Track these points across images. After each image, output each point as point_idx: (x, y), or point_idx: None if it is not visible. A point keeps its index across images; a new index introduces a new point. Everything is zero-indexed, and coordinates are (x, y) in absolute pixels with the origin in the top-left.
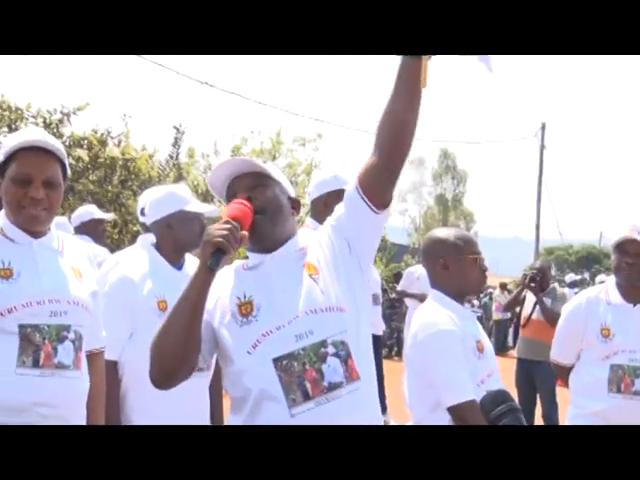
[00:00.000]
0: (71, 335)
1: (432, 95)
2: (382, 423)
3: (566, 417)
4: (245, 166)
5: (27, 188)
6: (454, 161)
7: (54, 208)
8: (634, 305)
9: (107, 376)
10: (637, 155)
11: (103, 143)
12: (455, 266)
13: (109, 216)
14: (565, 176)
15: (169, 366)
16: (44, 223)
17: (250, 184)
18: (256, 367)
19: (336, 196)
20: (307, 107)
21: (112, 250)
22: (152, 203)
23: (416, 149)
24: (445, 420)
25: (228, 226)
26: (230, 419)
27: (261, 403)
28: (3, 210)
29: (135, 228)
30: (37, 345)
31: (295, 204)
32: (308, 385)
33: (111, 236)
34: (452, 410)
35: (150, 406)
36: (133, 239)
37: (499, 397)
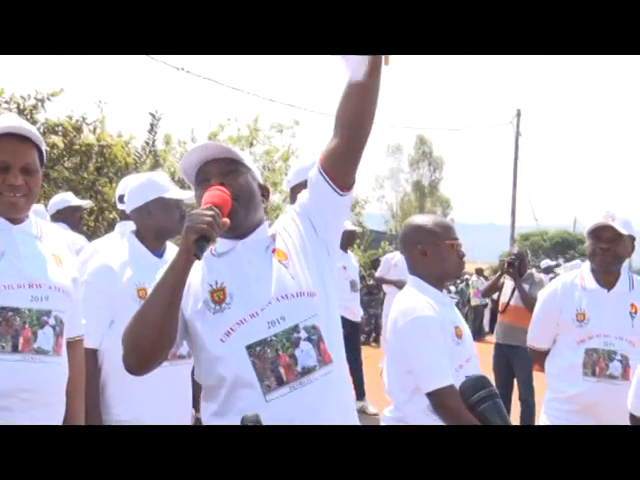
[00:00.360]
0: (51, 320)
1: (409, 82)
2: (354, 406)
3: (542, 401)
4: (218, 151)
5: (5, 175)
6: (430, 147)
7: (33, 194)
8: (608, 290)
9: (87, 364)
10: (611, 142)
11: (78, 130)
12: (433, 252)
13: (86, 203)
14: (540, 163)
15: (145, 352)
16: (23, 210)
17: (223, 169)
18: (229, 355)
19: None
20: (284, 94)
21: (89, 238)
22: (131, 190)
23: (393, 135)
24: (424, 405)
25: (211, 212)
26: (203, 406)
27: (235, 390)
28: None
29: (111, 216)
30: (16, 330)
31: (264, 191)
32: (282, 370)
33: (87, 224)
34: (431, 395)
35: (131, 394)
36: (109, 227)
37: (478, 383)
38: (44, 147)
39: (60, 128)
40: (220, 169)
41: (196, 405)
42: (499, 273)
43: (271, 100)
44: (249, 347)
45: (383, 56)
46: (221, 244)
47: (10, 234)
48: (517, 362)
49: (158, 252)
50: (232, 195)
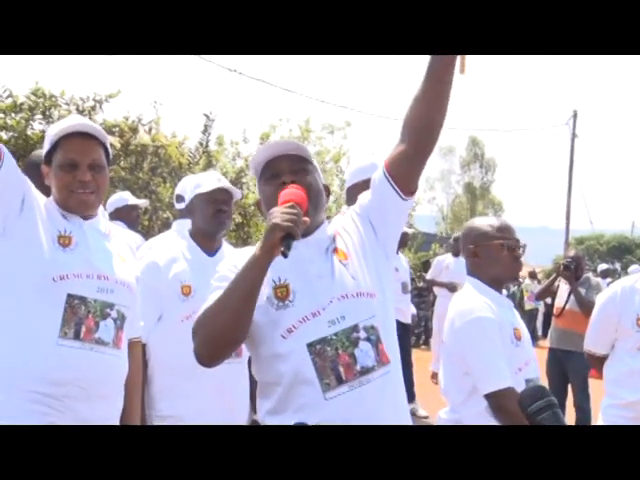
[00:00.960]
0: (114, 314)
1: (462, 83)
2: (407, 407)
3: (600, 407)
4: (289, 147)
5: (74, 172)
6: (482, 149)
7: (102, 190)
8: None
9: None
10: None
11: (134, 130)
12: (484, 253)
13: (143, 202)
14: (597, 165)
15: (220, 343)
16: (93, 206)
17: (294, 167)
18: (290, 351)
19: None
20: (336, 95)
21: (144, 236)
22: (184, 190)
23: (445, 137)
24: (481, 407)
25: (295, 211)
26: (259, 404)
27: (294, 387)
28: (51, 197)
29: (165, 215)
30: (80, 318)
31: (326, 191)
32: (341, 369)
33: (142, 222)
34: (489, 397)
35: (175, 391)
36: (163, 226)
37: (538, 392)
38: (109, 144)
39: (117, 129)
40: (291, 166)
41: (254, 405)
42: (554, 276)
43: (323, 101)
44: (310, 345)
45: (459, 64)
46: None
47: (82, 228)
48: (572, 367)
49: (210, 251)
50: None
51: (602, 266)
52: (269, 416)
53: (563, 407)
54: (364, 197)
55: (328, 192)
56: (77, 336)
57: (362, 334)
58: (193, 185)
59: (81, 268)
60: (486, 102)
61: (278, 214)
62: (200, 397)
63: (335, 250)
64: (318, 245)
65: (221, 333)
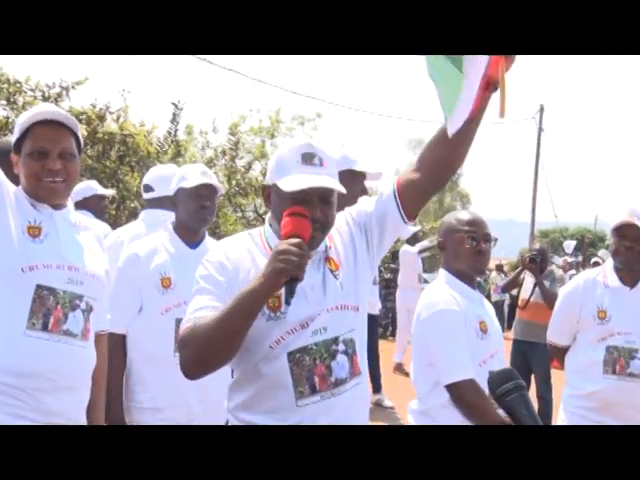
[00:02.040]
0: (83, 305)
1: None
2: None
3: (561, 398)
4: (329, 182)
5: (44, 161)
6: None
7: (72, 179)
8: (631, 288)
9: (114, 349)
10: (634, 139)
11: (101, 118)
12: (449, 246)
13: (111, 192)
14: (562, 159)
15: (208, 367)
16: (63, 195)
17: (325, 197)
18: (272, 358)
19: (345, 176)
20: (306, 86)
21: (111, 226)
22: (161, 179)
23: (415, 129)
24: (445, 398)
25: (302, 252)
26: (230, 395)
27: (269, 389)
28: (20, 187)
29: (133, 205)
30: (48, 309)
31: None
32: (316, 379)
33: (109, 212)
34: (450, 388)
35: (154, 383)
36: (131, 215)
37: (506, 375)
38: (80, 133)
39: (84, 117)
40: (323, 197)
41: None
42: (520, 268)
43: (293, 92)
44: (290, 353)
45: (499, 106)
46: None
47: (52, 219)
48: (535, 359)
49: (192, 243)
50: (319, 226)
51: (565, 259)
52: (239, 410)
53: None
54: (365, 205)
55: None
56: (45, 327)
57: (341, 347)
58: (178, 177)
59: (51, 259)
60: None
61: (285, 256)
62: (179, 390)
63: (327, 259)
64: (314, 257)
65: (212, 358)
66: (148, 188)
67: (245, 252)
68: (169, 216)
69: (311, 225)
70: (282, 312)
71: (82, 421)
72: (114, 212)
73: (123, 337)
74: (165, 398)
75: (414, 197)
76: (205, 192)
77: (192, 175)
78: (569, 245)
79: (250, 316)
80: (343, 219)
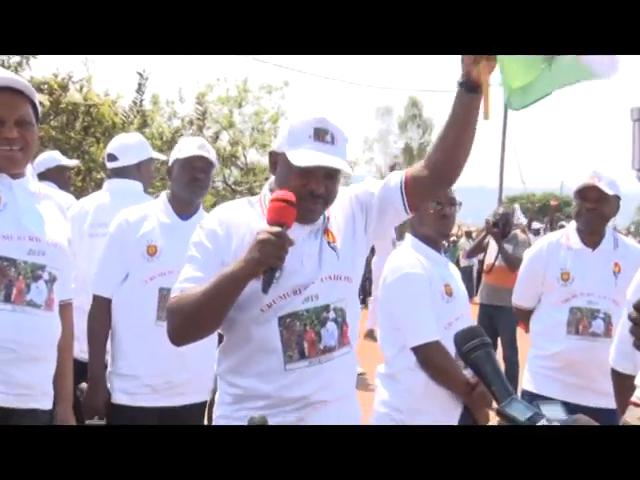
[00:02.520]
0: (46, 276)
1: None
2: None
3: (526, 359)
4: (336, 162)
5: (0, 129)
6: (421, 110)
7: (30, 148)
8: (593, 249)
9: (99, 312)
10: (599, 106)
11: (64, 88)
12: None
13: (74, 163)
14: (529, 126)
15: (192, 335)
16: (21, 164)
17: (329, 174)
18: (263, 321)
19: None
20: (273, 55)
21: (76, 197)
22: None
23: (383, 97)
24: (411, 361)
25: (281, 242)
26: (219, 358)
27: (258, 353)
28: None
29: (99, 176)
30: (10, 280)
31: None
32: (306, 345)
33: (74, 183)
34: (416, 350)
35: (134, 350)
36: (97, 186)
37: (471, 332)
38: (37, 100)
39: (46, 86)
40: (329, 173)
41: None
42: (484, 234)
43: (260, 61)
44: (281, 317)
45: (482, 109)
46: None
47: (10, 188)
48: (501, 322)
49: (184, 215)
50: (321, 200)
51: (534, 224)
52: (228, 373)
53: None
54: (370, 186)
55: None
56: (8, 299)
57: (331, 315)
58: (176, 149)
59: (11, 229)
60: (424, 63)
61: (264, 246)
62: (159, 358)
63: (325, 231)
64: (312, 226)
65: (194, 330)
66: (112, 157)
67: (241, 218)
68: (134, 185)
69: (295, 212)
70: (276, 277)
71: (50, 392)
72: (80, 184)
73: (109, 301)
74: (144, 366)
75: (419, 193)
76: (199, 164)
77: (187, 147)
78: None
79: (230, 297)
80: (347, 195)
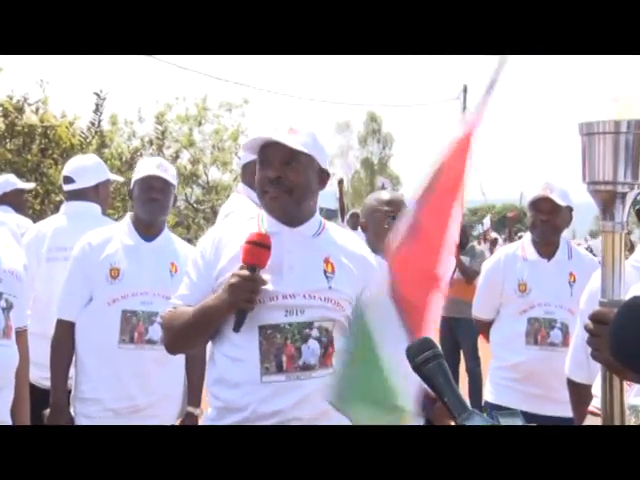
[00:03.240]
0: (3, 303)
1: (356, 59)
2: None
3: (488, 370)
4: (286, 137)
5: None
6: (380, 124)
7: None
8: (548, 260)
9: (62, 336)
10: (557, 116)
11: (20, 110)
12: (370, 225)
13: (30, 185)
14: (487, 137)
15: (181, 348)
16: None
17: (284, 158)
18: (244, 330)
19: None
20: (232, 72)
21: (34, 221)
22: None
23: (342, 113)
24: None
25: (250, 286)
26: (208, 370)
27: (237, 362)
28: None
29: (57, 198)
30: None
31: (323, 176)
32: (284, 359)
33: (33, 207)
34: None
35: (97, 373)
36: (56, 209)
37: (424, 344)
38: None
39: (1, 109)
40: (281, 157)
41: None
42: None
43: (219, 79)
44: (261, 327)
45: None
46: (270, 223)
47: None
48: (461, 334)
49: (147, 236)
50: (286, 189)
51: (494, 235)
52: (213, 385)
53: (457, 372)
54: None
55: (327, 177)
56: None
57: (314, 332)
58: (135, 171)
59: None
60: (382, 78)
61: (234, 289)
62: (122, 382)
63: (326, 260)
64: (303, 239)
65: (182, 345)
66: (69, 180)
67: (235, 233)
68: (91, 207)
69: (269, 252)
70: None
71: (8, 421)
72: (38, 207)
73: (72, 325)
74: (107, 389)
75: None
76: (156, 184)
77: (145, 167)
78: (486, 222)
79: (212, 323)
80: (372, 264)
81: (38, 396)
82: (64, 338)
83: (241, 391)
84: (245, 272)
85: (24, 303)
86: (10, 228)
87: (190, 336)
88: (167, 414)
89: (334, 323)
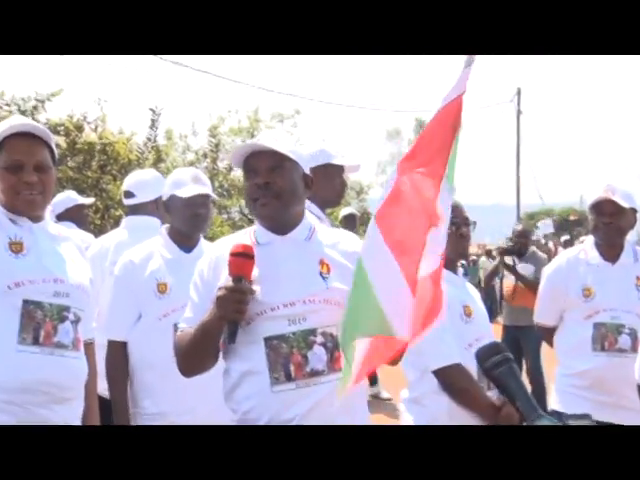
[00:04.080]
0: (71, 316)
1: (406, 65)
2: (366, 411)
3: (554, 377)
4: (267, 144)
5: (20, 174)
6: None
7: (48, 191)
8: (612, 263)
9: (116, 357)
10: (615, 116)
11: (79, 128)
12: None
13: (90, 200)
14: (543, 140)
15: (193, 369)
16: (41, 207)
17: (269, 165)
18: (248, 342)
19: (322, 170)
20: (284, 83)
21: (95, 236)
22: (146, 184)
23: (391, 120)
24: (434, 384)
25: (238, 297)
26: (223, 383)
27: (247, 375)
28: None
29: (117, 213)
30: (38, 323)
31: (308, 181)
32: (292, 367)
33: (93, 222)
34: (437, 373)
35: (157, 388)
36: (115, 224)
37: (494, 348)
38: (54, 144)
39: (62, 128)
40: (267, 164)
41: None
42: (497, 262)
43: (271, 90)
44: (267, 339)
45: None
46: (262, 234)
47: (31, 232)
48: (525, 342)
49: (187, 247)
50: (274, 194)
51: (563, 237)
52: (227, 399)
53: None
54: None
55: (311, 181)
56: (36, 341)
57: (319, 339)
58: (171, 183)
59: (36, 273)
60: (431, 83)
61: (221, 302)
62: (183, 394)
63: (321, 261)
64: (296, 244)
65: (192, 363)
66: (129, 194)
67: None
68: (152, 221)
69: (253, 261)
70: (251, 295)
71: None
72: (98, 222)
73: (124, 344)
74: (169, 403)
75: None
76: (200, 200)
77: (186, 182)
78: (546, 225)
79: (209, 342)
80: (353, 251)
81: (105, 407)
82: (118, 358)
83: (253, 402)
84: (230, 284)
85: (91, 316)
86: (76, 243)
87: (195, 356)
88: (223, 421)
89: (338, 326)
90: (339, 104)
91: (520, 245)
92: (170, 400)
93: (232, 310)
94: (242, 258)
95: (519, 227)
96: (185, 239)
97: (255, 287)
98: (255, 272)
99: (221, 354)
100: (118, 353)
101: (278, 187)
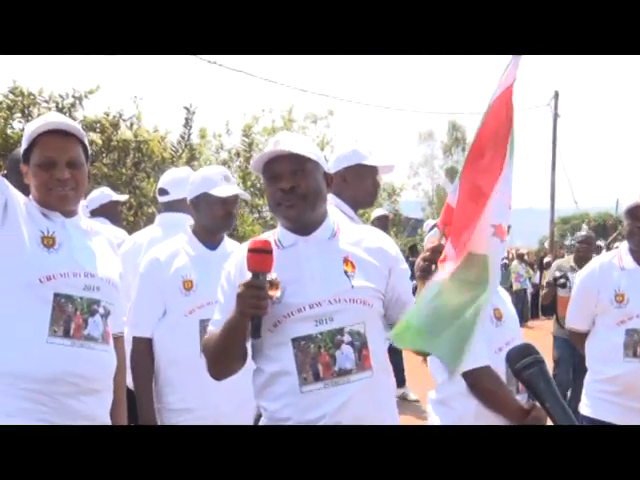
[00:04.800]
0: (101, 310)
1: (440, 67)
2: (395, 408)
3: (584, 383)
4: (288, 147)
5: (52, 171)
6: (463, 133)
7: (80, 187)
8: None
9: (141, 353)
10: None
11: (115, 126)
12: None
13: (124, 197)
14: (580, 144)
15: (222, 369)
16: (73, 202)
17: (292, 168)
18: (276, 344)
19: (355, 171)
20: (317, 83)
21: (128, 232)
22: (178, 182)
23: (424, 122)
24: (462, 386)
25: (258, 292)
26: (252, 384)
27: (276, 376)
28: (31, 196)
29: (150, 210)
30: (69, 315)
31: (328, 180)
32: (320, 367)
33: (126, 218)
34: (466, 376)
35: (182, 384)
36: (148, 221)
37: (525, 349)
38: (87, 141)
39: (98, 125)
40: (290, 167)
41: None
42: (550, 288)
43: (305, 90)
44: (295, 340)
45: None
46: (285, 237)
47: (64, 227)
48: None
49: (212, 245)
50: (300, 196)
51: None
52: (257, 396)
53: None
54: (399, 287)
55: (331, 180)
56: (67, 334)
57: (346, 338)
58: (201, 181)
59: (67, 267)
60: (465, 85)
61: (242, 299)
62: (207, 390)
63: (345, 260)
64: (320, 244)
65: (221, 364)
66: (163, 191)
67: None
68: (185, 219)
69: (271, 256)
70: (277, 297)
71: (107, 422)
72: (132, 218)
73: (149, 341)
74: (194, 399)
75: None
76: (232, 199)
77: (218, 181)
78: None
79: (235, 341)
80: (391, 253)
81: (133, 399)
82: (142, 355)
83: (283, 402)
84: (249, 280)
85: (120, 310)
86: (107, 237)
87: (223, 355)
88: (246, 419)
89: (365, 324)
90: (373, 105)
91: (583, 251)
92: (195, 396)
93: (249, 305)
94: (259, 254)
95: (583, 232)
96: (210, 237)
97: (281, 288)
98: (281, 274)
99: (250, 355)
100: (143, 350)
101: (303, 189)
